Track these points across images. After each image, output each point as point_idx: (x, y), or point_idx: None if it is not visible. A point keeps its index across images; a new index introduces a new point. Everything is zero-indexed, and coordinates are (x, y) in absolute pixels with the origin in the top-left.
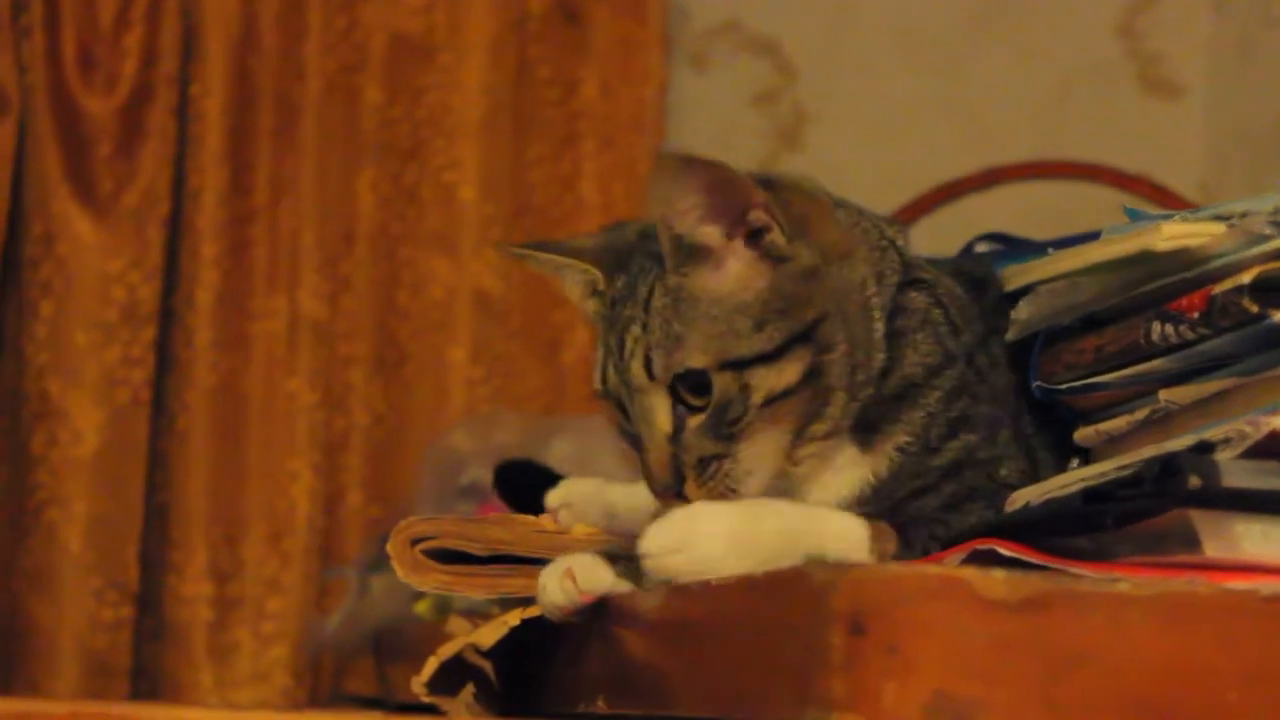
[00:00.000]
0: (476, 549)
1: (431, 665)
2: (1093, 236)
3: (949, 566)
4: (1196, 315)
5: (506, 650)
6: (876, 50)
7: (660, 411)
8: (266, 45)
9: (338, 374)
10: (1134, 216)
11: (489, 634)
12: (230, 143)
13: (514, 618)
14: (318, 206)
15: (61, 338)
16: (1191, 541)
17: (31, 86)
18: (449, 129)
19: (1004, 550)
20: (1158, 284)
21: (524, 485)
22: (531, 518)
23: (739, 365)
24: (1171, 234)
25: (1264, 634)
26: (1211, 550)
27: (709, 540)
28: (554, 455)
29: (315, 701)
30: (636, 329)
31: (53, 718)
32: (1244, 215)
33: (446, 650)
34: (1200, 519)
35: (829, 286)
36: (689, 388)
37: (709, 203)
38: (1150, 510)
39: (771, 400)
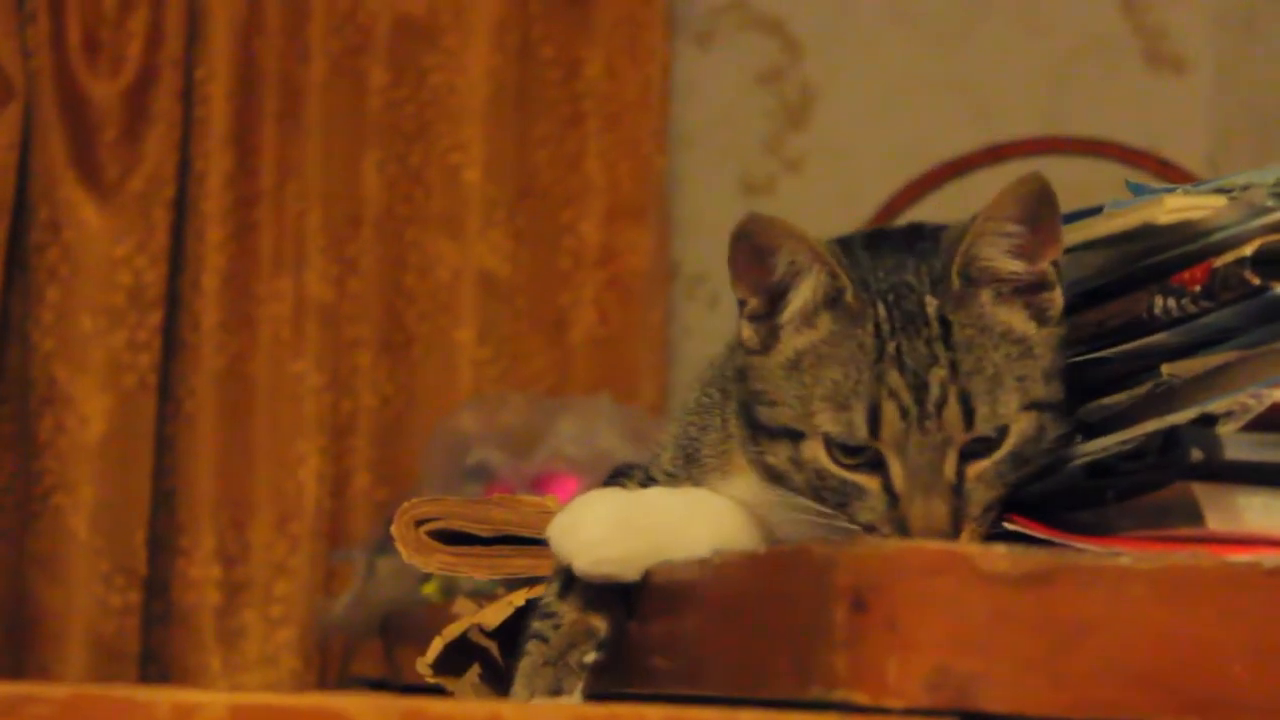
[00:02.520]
0: (481, 530)
1: (437, 646)
2: (1095, 212)
3: (950, 542)
4: (1198, 288)
5: (512, 630)
6: (881, 27)
7: (951, 462)
8: (271, 28)
9: (344, 356)
10: (1136, 191)
11: (494, 614)
12: (235, 126)
13: (519, 598)
14: (323, 189)
15: (68, 323)
16: (1194, 515)
17: (37, 71)
18: (453, 110)
19: (1007, 524)
20: (1160, 257)
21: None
22: (536, 498)
23: (1039, 408)
24: (1173, 207)
25: (1266, 607)
26: (1214, 523)
27: (593, 525)
28: (559, 435)
29: (323, 684)
30: (941, 371)
31: (54, 701)
32: (1246, 188)
33: (452, 631)
34: (1202, 492)
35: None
36: (982, 450)
37: (1030, 237)
38: (1153, 484)
39: (1046, 451)
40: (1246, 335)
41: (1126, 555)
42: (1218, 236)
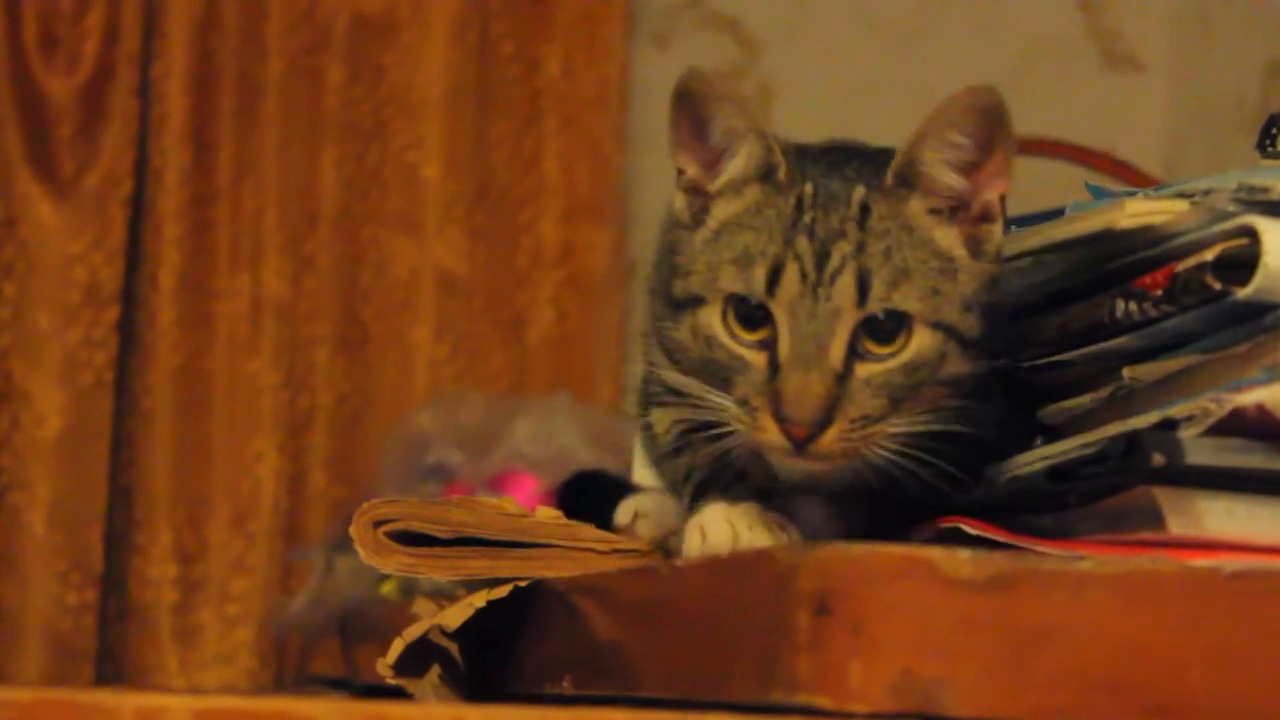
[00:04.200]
0: (439, 531)
1: (397, 647)
2: (1056, 213)
3: (914, 546)
4: (1160, 292)
5: (472, 631)
6: (839, 27)
7: (839, 341)
8: (228, 25)
9: (301, 354)
10: (1097, 194)
11: (454, 615)
12: (192, 123)
13: (479, 599)
14: (280, 186)
15: (24, 320)
16: (1155, 519)
17: None
18: (411, 108)
19: (969, 529)
20: (1122, 261)
21: (592, 495)
22: (494, 500)
23: (947, 330)
24: (1135, 211)
25: (1227, 612)
26: (1175, 528)
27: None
28: (517, 434)
29: (280, 683)
30: (846, 245)
31: (17, 705)
32: (1207, 192)
33: (412, 632)
34: (1164, 496)
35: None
36: (876, 331)
37: (977, 156)
38: (1114, 488)
39: (942, 381)
40: (1208, 339)
41: (1088, 560)
42: (1179, 241)
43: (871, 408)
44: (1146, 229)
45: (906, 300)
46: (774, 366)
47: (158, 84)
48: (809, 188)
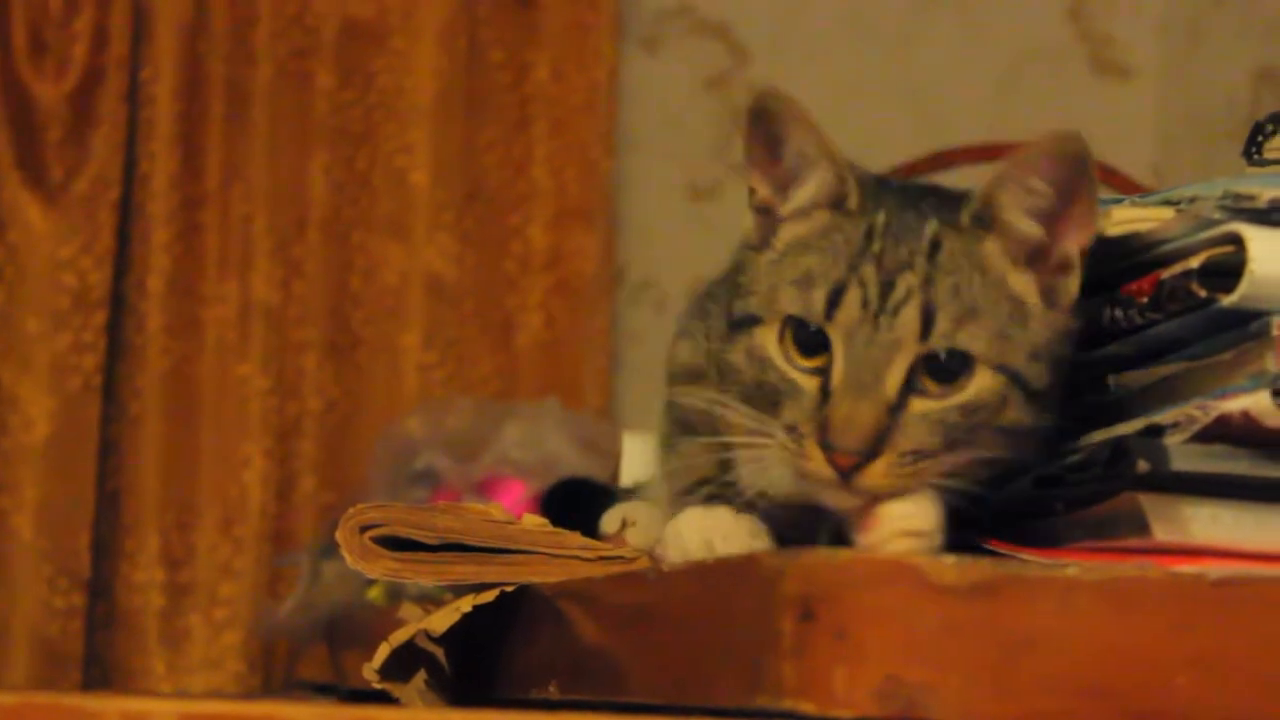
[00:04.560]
0: (426, 537)
1: (383, 651)
2: None
3: (898, 552)
4: (1146, 300)
5: (459, 636)
6: (828, 33)
7: (896, 373)
8: (217, 29)
9: (290, 359)
10: None
11: (441, 620)
12: (181, 128)
13: (466, 603)
14: (269, 192)
15: (12, 325)
16: (1141, 526)
17: None
18: (401, 113)
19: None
20: (1108, 268)
21: (577, 502)
22: (481, 506)
23: (1011, 376)
24: (1121, 219)
25: (1212, 618)
26: (1161, 534)
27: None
28: (506, 439)
29: (268, 687)
30: (913, 277)
31: (2, 709)
32: (1193, 200)
33: (398, 636)
34: (1149, 503)
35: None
36: (935, 369)
37: (1058, 205)
38: (1100, 494)
39: (1001, 428)
40: (1194, 347)
41: (1074, 566)
42: (1165, 248)
43: (922, 443)
44: (1132, 236)
45: (972, 340)
46: (825, 393)
47: (146, 88)
48: (881, 217)
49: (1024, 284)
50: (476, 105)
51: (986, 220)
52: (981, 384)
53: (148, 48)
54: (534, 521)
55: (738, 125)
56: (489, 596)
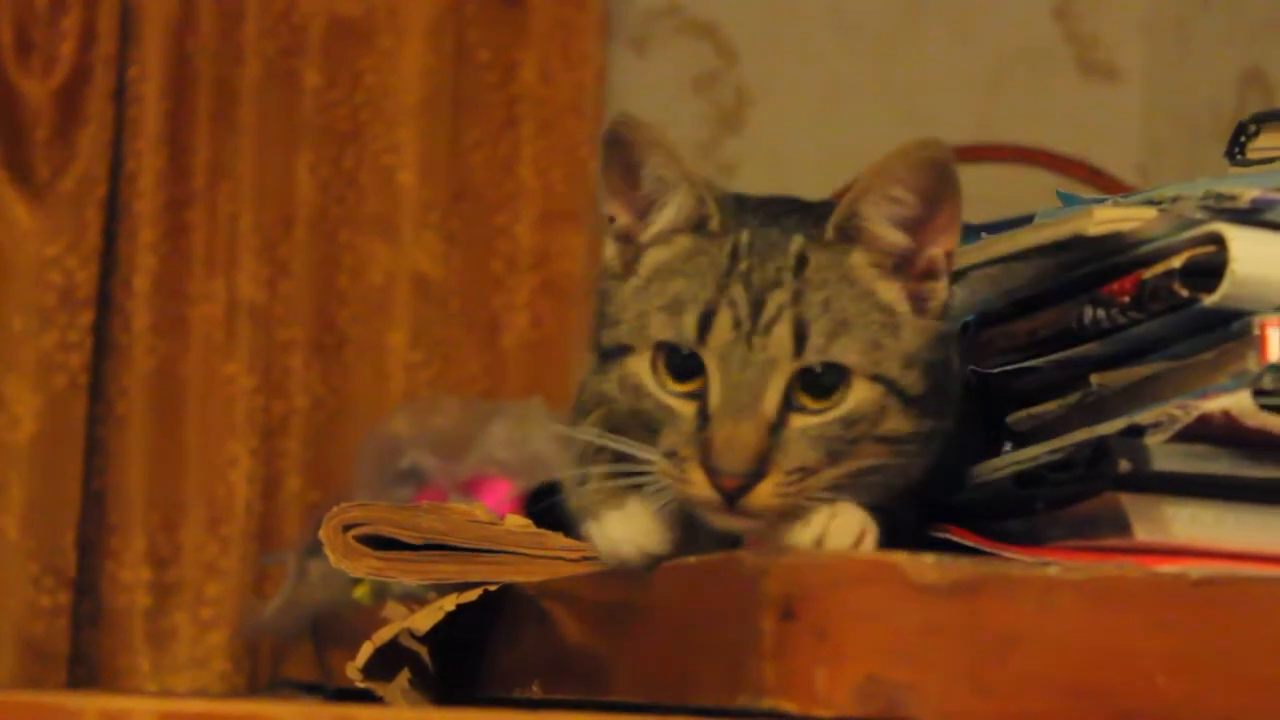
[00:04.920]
0: (410, 537)
1: (366, 650)
2: (1025, 220)
3: (880, 551)
4: (1127, 299)
5: (442, 635)
6: (817, 33)
7: (774, 392)
8: (204, 28)
9: (276, 358)
10: (1066, 200)
11: (424, 619)
12: (168, 126)
13: (449, 602)
14: (256, 190)
15: None
16: (1122, 525)
17: None
18: (388, 112)
19: (935, 533)
20: (1090, 268)
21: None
22: (464, 506)
23: (887, 384)
24: (1103, 218)
25: (1192, 618)
26: (1142, 534)
27: None
28: (492, 439)
29: (254, 687)
30: (782, 294)
31: None
32: (1175, 200)
33: (382, 635)
34: (1130, 502)
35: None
36: (811, 384)
37: (922, 213)
38: (1081, 494)
39: (882, 437)
40: (1175, 346)
41: (1055, 565)
42: (1147, 248)
43: (806, 459)
44: (1114, 236)
45: (845, 352)
46: (704, 416)
47: (133, 87)
48: (744, 235)
49: (892, 293)
50: (463, 105)
51: (851, 232)
52: (859, 395)
53: (135, 46)
54: (517, 522)
55: (726, 125)
56: (472, 596)
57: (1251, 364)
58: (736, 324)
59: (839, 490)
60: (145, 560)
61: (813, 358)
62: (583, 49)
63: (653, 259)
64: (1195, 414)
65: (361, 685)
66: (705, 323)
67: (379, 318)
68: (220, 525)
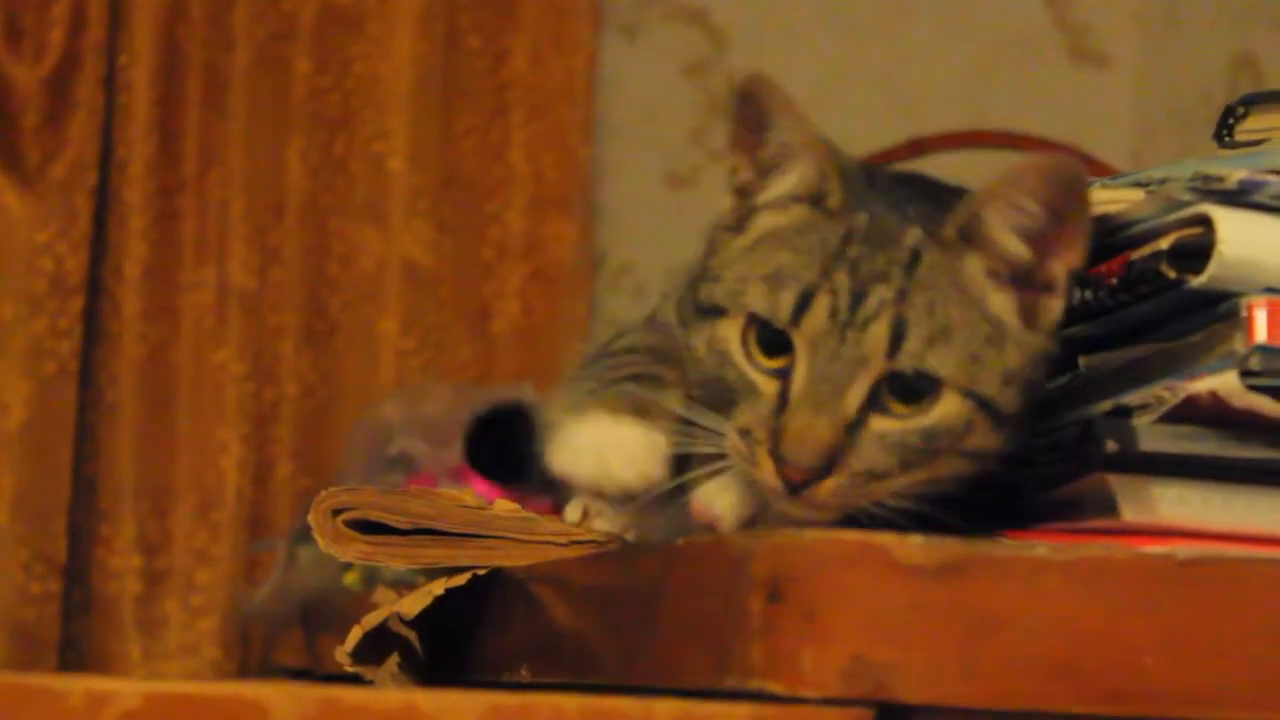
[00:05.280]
0: (399, 521)
1: (355, 634)
2: None
3: (866, 532)
4: (1115, 281)
5: (431, 619)
6: (807, 20)
7: (858, 390)
8: (195, 14)
9: (267, 345)
10: None
11: (413, 603)
12: (158, 113)
13: (438, 586)
14: (247, 177)
15: None
16: (1109, 506)
17: None
18: (378, 99)
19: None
20: None
21: (510, 430)
22: (453, 491)
23: (980, 401)
24: (1091, 200)
25: (1179, 598)
26: (1129, 515)
27: None
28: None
29: (244, 673)
30: (887, 290)
31: None
32: (1163, 182)
33: (370, 620)
34: (1118, 483)
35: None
36: (900, 387)
37: (1047, 226)
38: (1069, 475)
39: (965, 453)
40: (1162, 328)
41: (1042, 546)
42: (1135, 230)
43: (878, 464)
44: (1102, 218)
45: (942, 363)
46: (783, 400)
47: (124, 74)
48: (861, 219)
49: (1004, 304)
50: (454, 91)
51: (972, 236)
52: (947, 408)
53: (125, 33)
54: (506, 507)
55: (717, 112)
56: (461, 580)
57: (1239, 345)
58: (834, 312)
59: (906, 498)
60: (136, 547)
61: (906, 362)
62: (574, 35)
63: (764, 222)
64: (1183, 395)
65: (350, 669)
66: (802, 304)
67: (370, 305)
68: (211, 512)
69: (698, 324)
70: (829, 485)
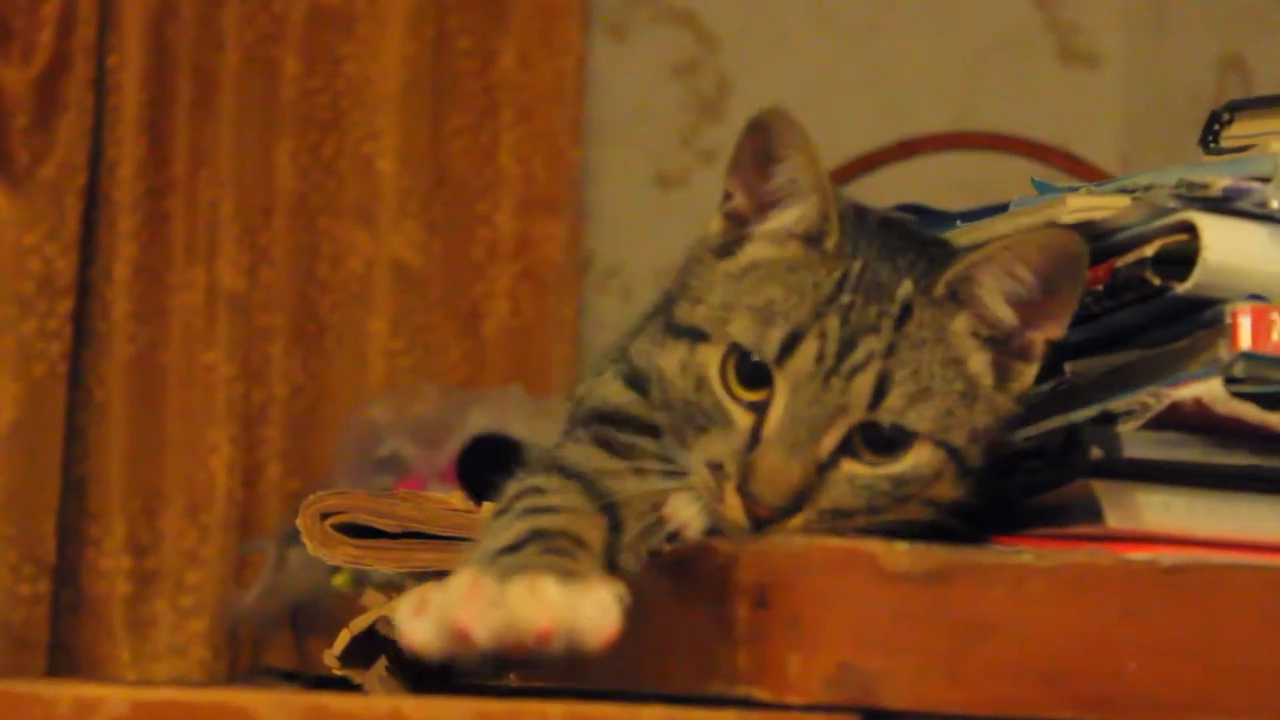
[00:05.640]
0: (387, 525)
1: (344, 638)
2: (1001, 209)
3: (853, 539)
4: (1100, 288)
5: None
6: (796, 21)
7: (834, 436)
8: (184, 15)
9: (257, 346)
10: (1041, 189)
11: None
12: (148, 114)
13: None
14: (236, 178)
15: None
16: (1094, 513)
17: None
18: (368, 100)
19: None
20: None
21: (496, 461)
22: (441, 495)
23: (950, 452)
24: (1076, 207)
25: (1164, 604)
26: (1114, 521)
27: None
28: (471, 426)
29: (234, 675)
30: (877, 343)
31: None
32: (1148, 188)
33: (359, 623)
34: (1103, 490)
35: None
36: (874, 437)
37: (1038, 296)
38: (1054, 481)
39: (929, 501)
40: (1147, 335)
41: (1027, 553)
42: (1120, 236)
43: (845, 503)
44: (1088, 225)
45: (920, 419)
46: (756, 437)
47: (113, 75)
48: (856, 266)
49: (982, 364)
50: (443, 92)
51: (962, 295)
52: (919, 458)
53: (115, 34)
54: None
55: (706, 113)
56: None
57: (1223, 352)
58: (820, 357)
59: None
60: (125, 548)
61: (886, 417)
62: (563, 36)
63: (757, 252)
64: (1167, 402)
65: (339, 673)
66: (790, 343)
67: (359, 306)
68: (200, 513)
69: (670, 344)
70: (795, 523)
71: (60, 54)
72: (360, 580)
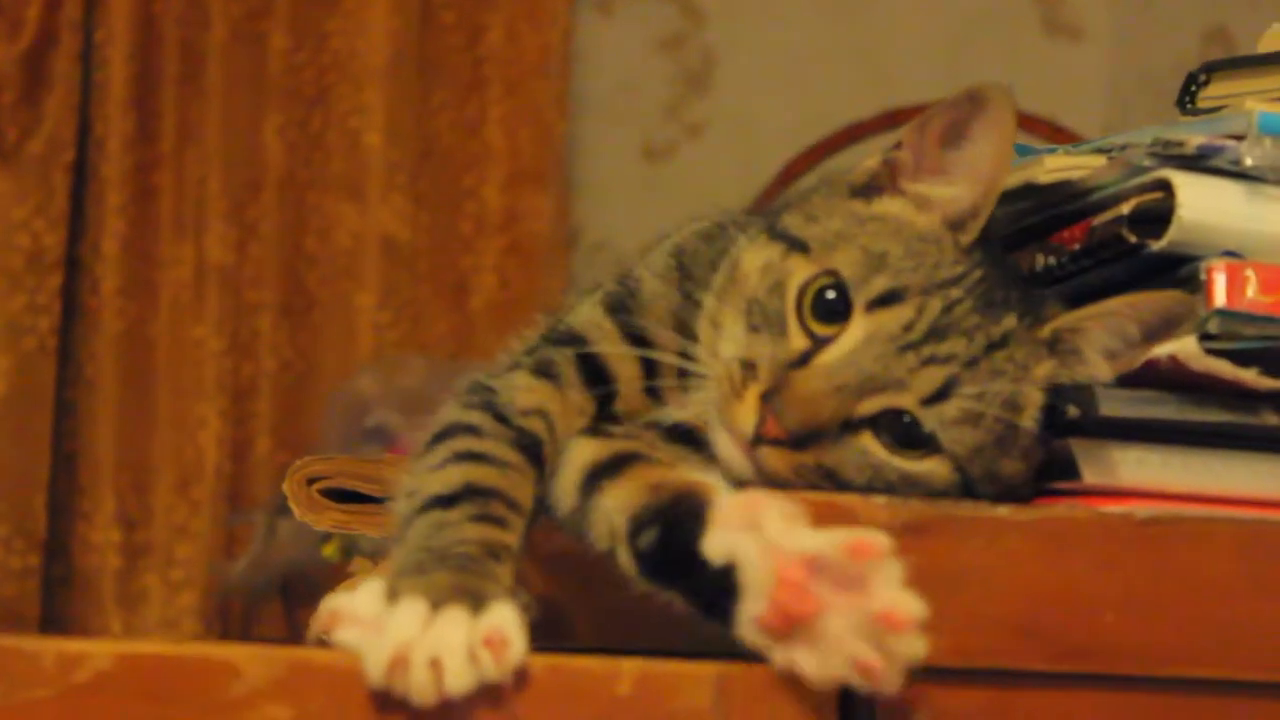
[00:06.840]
0: (373, 490)
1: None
2: None
3: (830, 493)
4: (1078, 247)
5: None
6: None
7: (874, 403)
8: None
9: (245, 320)
10: (1022, 152)
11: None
12: (135, 90)
13: None
14: (224, 153)
15: None
16: (1070, 469)
17: None
18: (355, 75)
19: None
20: (1041, 216)
21: None
22: None
23: (964, 476)
24: (1053, 167)
25: (1139, 557)
26: (1090, 477)
27: None
28: None
29: None
30: (964, 349)
31: None
32: (1124, 148)
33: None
34: (1079, 447)
35: None
36: (903, 428)
37: (1128, 350)
38: None
39: (923, 497)
40: (1123, 292)
41: (1003, 507)
42: (1096, 196)
43: (844, 471)
44: (1065, 184)
45: (955, 441)
46: (805, 359)
47: (100, 50)
48: (978, 274)
49: (1035, 406)
50: (430, 66)
51: (1062, 345)
52: (935, 470)
53: (102, 10)
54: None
55: (692, 86)
56: None
57: (1198, 308)
58: (909, 327)
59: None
60: (116, 522)
61: (929, 420)
62: (549, 10)
63: (895, 208)
64: (1141, 360)
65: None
66: (887, 298)
67: (347, 279)
68: (190, 487)
69: (764, 243)
70: (790, 457)
71: (47, 29)
72: (349, 549)
